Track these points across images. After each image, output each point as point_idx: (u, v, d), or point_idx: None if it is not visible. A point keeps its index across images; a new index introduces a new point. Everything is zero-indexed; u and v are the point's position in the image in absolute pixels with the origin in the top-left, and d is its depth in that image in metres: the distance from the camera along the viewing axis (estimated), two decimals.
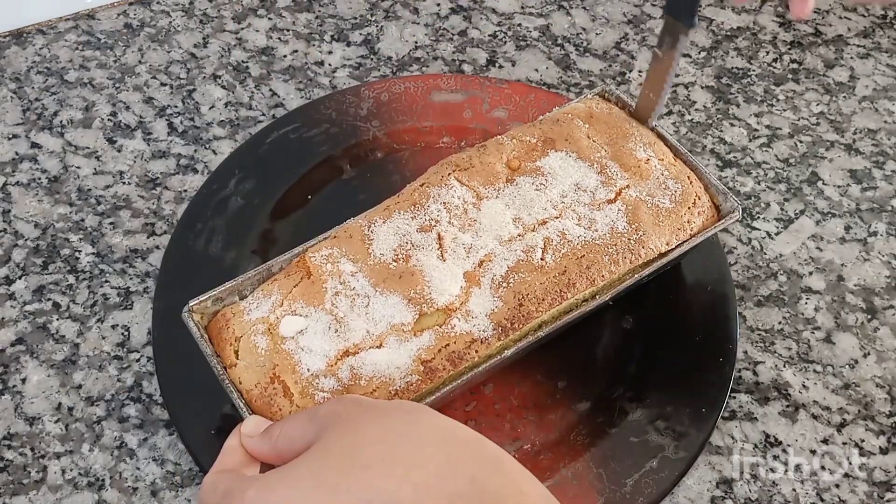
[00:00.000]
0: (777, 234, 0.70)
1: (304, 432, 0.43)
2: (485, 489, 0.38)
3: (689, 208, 0.60)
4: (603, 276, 0.57)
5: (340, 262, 0.56)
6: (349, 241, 0.57)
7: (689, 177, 0.61)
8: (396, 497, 0.38)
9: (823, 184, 0.73)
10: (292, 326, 0.53)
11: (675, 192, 0.60)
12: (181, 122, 0.75)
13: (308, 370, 0.51)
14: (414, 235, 0.57)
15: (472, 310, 0.54)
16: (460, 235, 0.57)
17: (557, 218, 0.58)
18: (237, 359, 0.53)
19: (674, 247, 0.59)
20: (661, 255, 0.58)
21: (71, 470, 0.57)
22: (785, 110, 0.78)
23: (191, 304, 0.54)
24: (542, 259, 0.56)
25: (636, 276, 0.58)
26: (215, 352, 0.53)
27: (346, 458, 0.40)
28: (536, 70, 0.79)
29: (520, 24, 0.83)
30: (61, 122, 0.74)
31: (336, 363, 0.52)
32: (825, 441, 0.60)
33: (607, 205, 0.59)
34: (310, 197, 0.68)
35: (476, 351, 0.54)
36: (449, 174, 0.60)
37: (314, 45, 0.80)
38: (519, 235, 0.57)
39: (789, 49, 0.82)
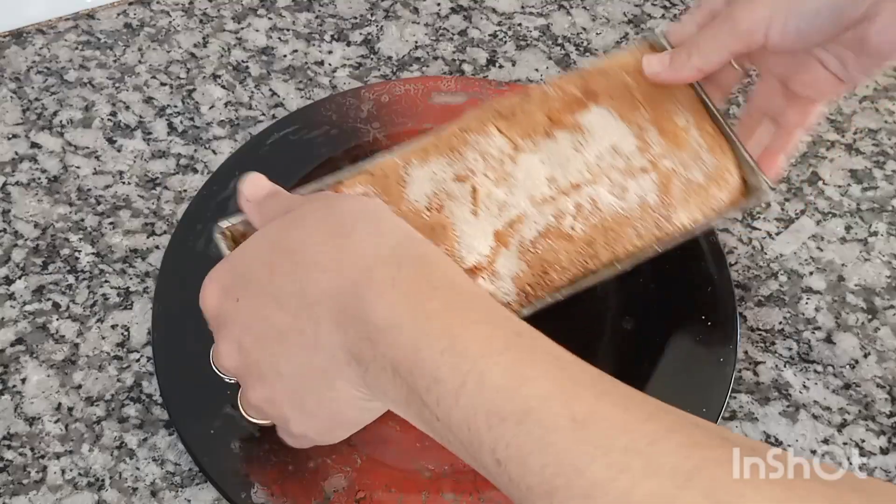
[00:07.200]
0: (777, 233, 0.70)
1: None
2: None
3: (718, 184, 0.58)
4: (626, 249, 0.56)
5: None
6: (385, 181, 0.55)
7: (721, 147, 0.59)
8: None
9: (824, 184, 0.73)
10: None
11: (709, 165, 0.58)
12: (181, 122, 0.75)
13: None
14: (449, 184, 0.55)
15: (498, 271, 0.54)
16: (494, 190, 0.56)
17: (591, 183, 0.56)
18: None
19: (698, 224, 0.57)
20: (685, 232, 0.57)
21: (71, 470, 0.57)
22: None
23: (222, 226, 0.53)
24: (571, 228, 0.56)
25: (655, 248, 0.57)
26: None
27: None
28: (537, 70, 0.79)
29: (520, 24, 0.83)
30: (61, 121, 0.74)
31: None
32: (826, 441, 0.60)
33: (641, 173, 0.57)
34: None
35: None
36: (489, 122, 0.58)
37: (314, 45, 0.80)
38: (552, 198, 0.56)
39: None
